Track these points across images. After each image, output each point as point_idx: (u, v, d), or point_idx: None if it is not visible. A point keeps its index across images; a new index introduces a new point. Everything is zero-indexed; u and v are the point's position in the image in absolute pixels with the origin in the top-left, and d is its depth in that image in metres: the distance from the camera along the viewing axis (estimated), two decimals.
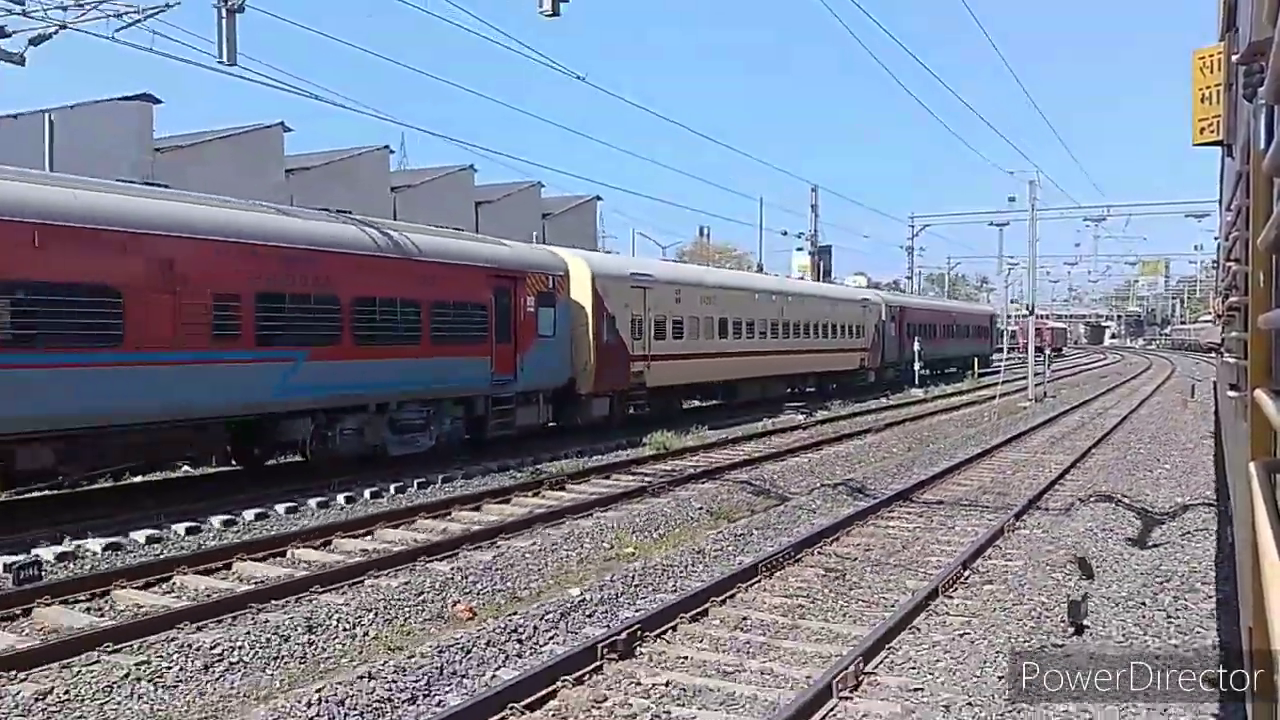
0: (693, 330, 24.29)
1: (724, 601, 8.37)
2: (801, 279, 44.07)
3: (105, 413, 11.10)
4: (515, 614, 7.74)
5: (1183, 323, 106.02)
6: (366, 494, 13.41)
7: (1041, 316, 52.99)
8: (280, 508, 12.27)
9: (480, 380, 16.67)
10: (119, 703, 6.12)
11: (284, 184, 31.14)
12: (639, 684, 6.45)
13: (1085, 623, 7.43)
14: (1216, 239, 24.61)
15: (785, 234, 50.82)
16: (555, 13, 10.24)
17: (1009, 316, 60.14)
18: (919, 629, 7.62)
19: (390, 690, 6.13)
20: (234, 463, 15.17)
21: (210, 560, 9.71)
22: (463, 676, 6.58)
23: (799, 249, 48.36)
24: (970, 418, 26.46)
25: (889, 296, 44.40)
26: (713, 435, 20.73)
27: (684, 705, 6.11)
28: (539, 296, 18.12)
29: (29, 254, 10.23)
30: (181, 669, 6.63)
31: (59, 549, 9.91)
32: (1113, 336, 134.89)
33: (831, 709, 5.96)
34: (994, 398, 30.21)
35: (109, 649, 6.91)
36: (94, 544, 10.19)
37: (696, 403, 27.48)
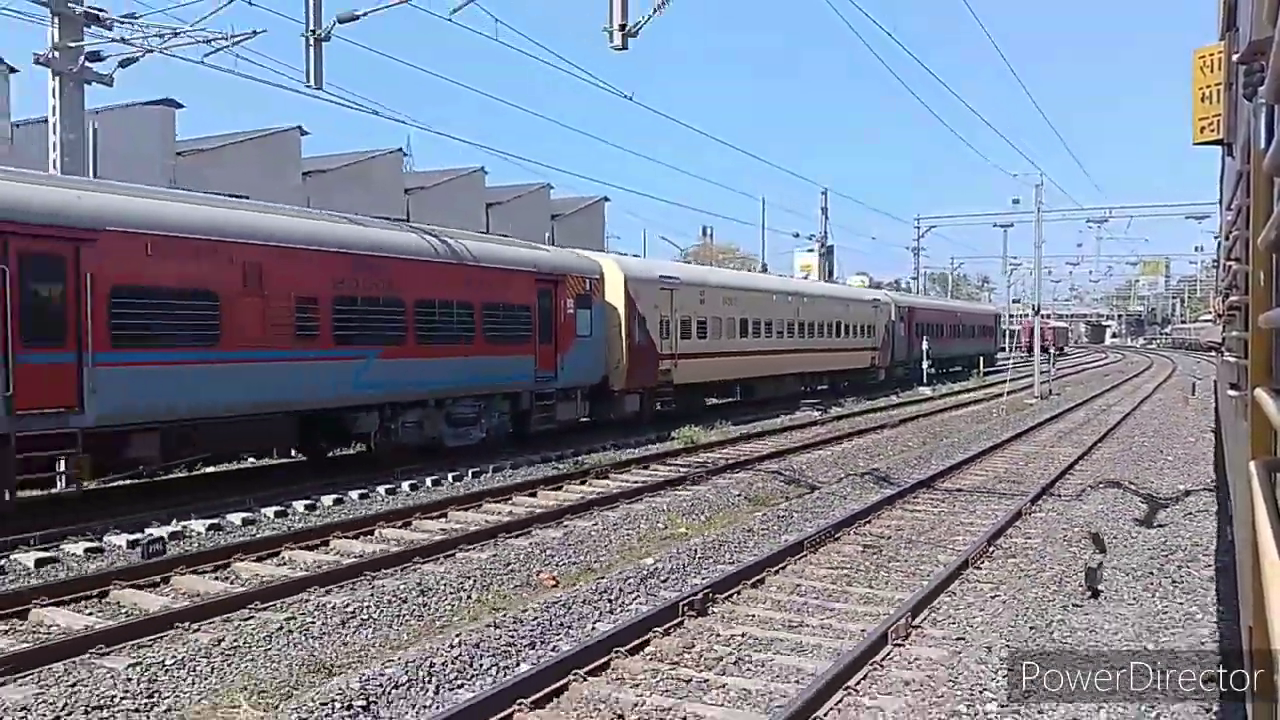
0: (716, 330, 25.37)
1: (778, 572, 9.45)
2: (805, 279, 44.98)
3: (205, 405, 12.21)
4: (603, 578, 8.83)
5: (1183, 322, 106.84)
6: (428, 481, 14.50)
7: (1044, 316, 53.91)
8: (354, 494, 13.36)
9: (526, 377, 17.78)
10: (281, 649, 7.19)
11: (301, 186, 31.38)
12: (718, 635, 7.51)
13: (1100, 587, 8.51)
14: (1216, 238, 25.29)
15: (797, 235, 51.96)
16: (624, 46, 11.27)
17: (1011, 316, 61.30)
18: (955, 593, 8.69)
19: (514, 637, 7.21)
20: (295, 454, 16.28)
21: (309, 538, 10.82)
22: (569, 628, 7.66)
23: (809, 249, 49.31)
24: (979, 414, 27.52)
25: (898, 297, 45.35)
26: (736, 430, 21.79)
27: (760, 651, 7.16)
28: (577, 299, 19.22)
29: (143, 262, 11.35)
30: (323, 624, 7.69)
31: (169, 529, 11.01)
32: (1114, 336, 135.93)
33: (888, 653, 7.04)
34: (1003, 395, 31.29)
35: (257, 607, 8.03)
36: (198, 525, 11.29)
37: (715, 400, 28.55)
